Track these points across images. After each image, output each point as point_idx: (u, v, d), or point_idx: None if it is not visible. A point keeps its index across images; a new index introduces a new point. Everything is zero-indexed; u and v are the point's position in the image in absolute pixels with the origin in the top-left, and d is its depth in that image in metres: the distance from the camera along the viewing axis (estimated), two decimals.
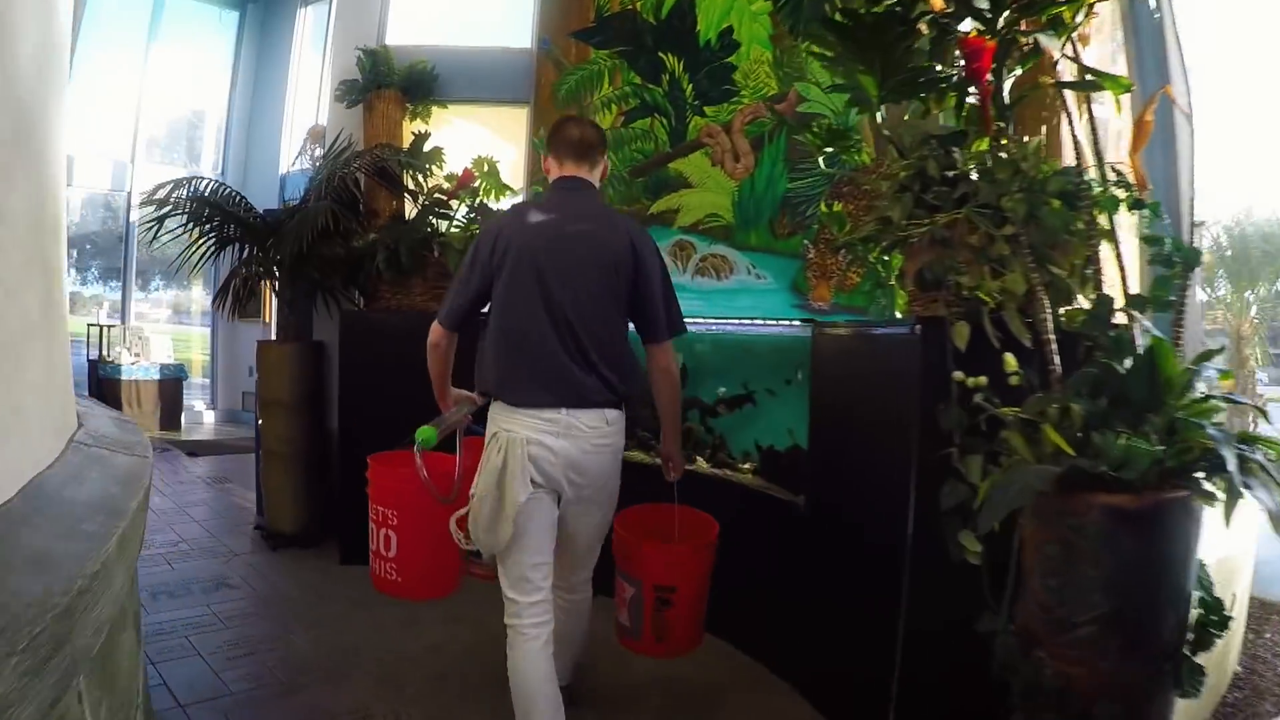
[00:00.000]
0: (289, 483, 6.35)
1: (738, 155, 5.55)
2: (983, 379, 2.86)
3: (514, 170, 6.61)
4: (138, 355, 12.02)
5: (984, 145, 3.26)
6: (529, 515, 3.14)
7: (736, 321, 5.22)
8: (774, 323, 5.05)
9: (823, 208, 4.58)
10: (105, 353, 11.98)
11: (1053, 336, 2.89)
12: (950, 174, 3.21)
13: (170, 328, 14.88)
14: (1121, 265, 3.07)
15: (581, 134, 3.42)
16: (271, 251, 6.10)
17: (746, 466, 5.04)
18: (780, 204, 5.34)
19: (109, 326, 12.24)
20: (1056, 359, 2.87)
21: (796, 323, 4.87)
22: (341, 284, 6.28)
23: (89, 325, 12.32)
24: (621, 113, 6.12)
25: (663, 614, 3.61)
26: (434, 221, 5.98)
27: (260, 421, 6.50)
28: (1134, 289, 3.07)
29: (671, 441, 3.61)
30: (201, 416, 13.18)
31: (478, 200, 6.01)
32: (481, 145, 6.50)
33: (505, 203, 6.30)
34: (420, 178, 6.29)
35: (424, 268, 5.87)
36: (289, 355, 6.32)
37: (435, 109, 6.77)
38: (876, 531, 3.49)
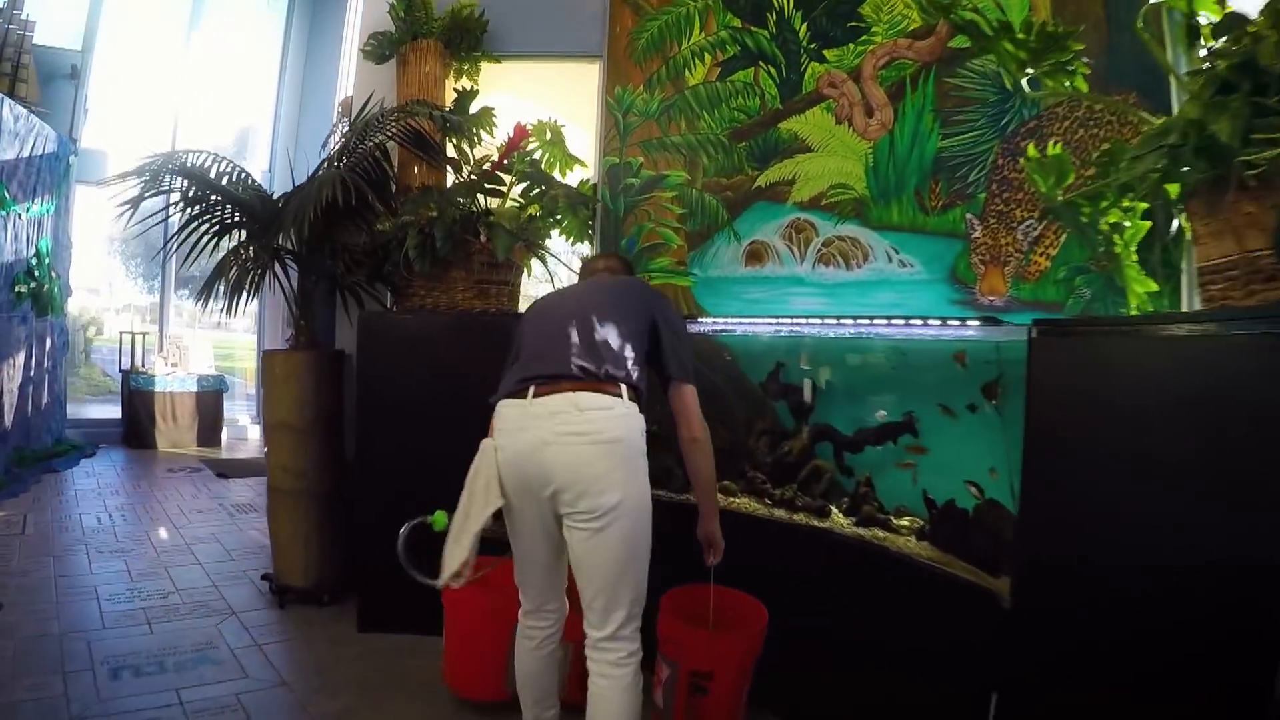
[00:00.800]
0: (299, 527, 5.04)
1: (871, 108, 4.23)
2: None
3: (583, 138, 5.31)
4: (174, 365, 10.97)
5: None
6: (514, 535, 3.03)
7: (882, 322, 3.80)
8: (938, 324, 3.64)
9: (1031, 151, 3.20)
10: (139, 362, 10.98)
11: None
12: None
13: (214, 334, 13.84)
14: None
15: (606, 264, 3.62)
16: (277, 238, 4.81)
17: (905, 524, 3.69)
18: (931, 168, 4.03)
19: (143, 334, 11.27)
20: None
21: (972, 323, 3.42)
22: (366, 279, 4.97)
23: (121, 333, 11.35)
24: (717, 63, 4.78)
25: (697, 700, 3.27)
26: (480, 198, 4.67)
27: (265, 450, 5.22)
28: None
29: (709, 519, 3.22)
30: (246, 432, 12.11)
31: (539, 162, 4.73)
32: (543, 108, 5.23)
33: (572, 178, 5.04)
34: (465, 145, 4.98)
35: (467, 256, 4.55)
36: (299, 367, 5.00)
37: (485, 64, 5.44)
38: (1191, 663, 2.08)
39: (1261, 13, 2.06)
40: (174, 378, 10.82)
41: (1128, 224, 2.76)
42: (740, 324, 4.40)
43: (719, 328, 4.43)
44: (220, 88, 11.93)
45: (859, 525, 3.69)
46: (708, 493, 3.16)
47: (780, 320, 4.20)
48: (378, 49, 5.37)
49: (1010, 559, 2.91)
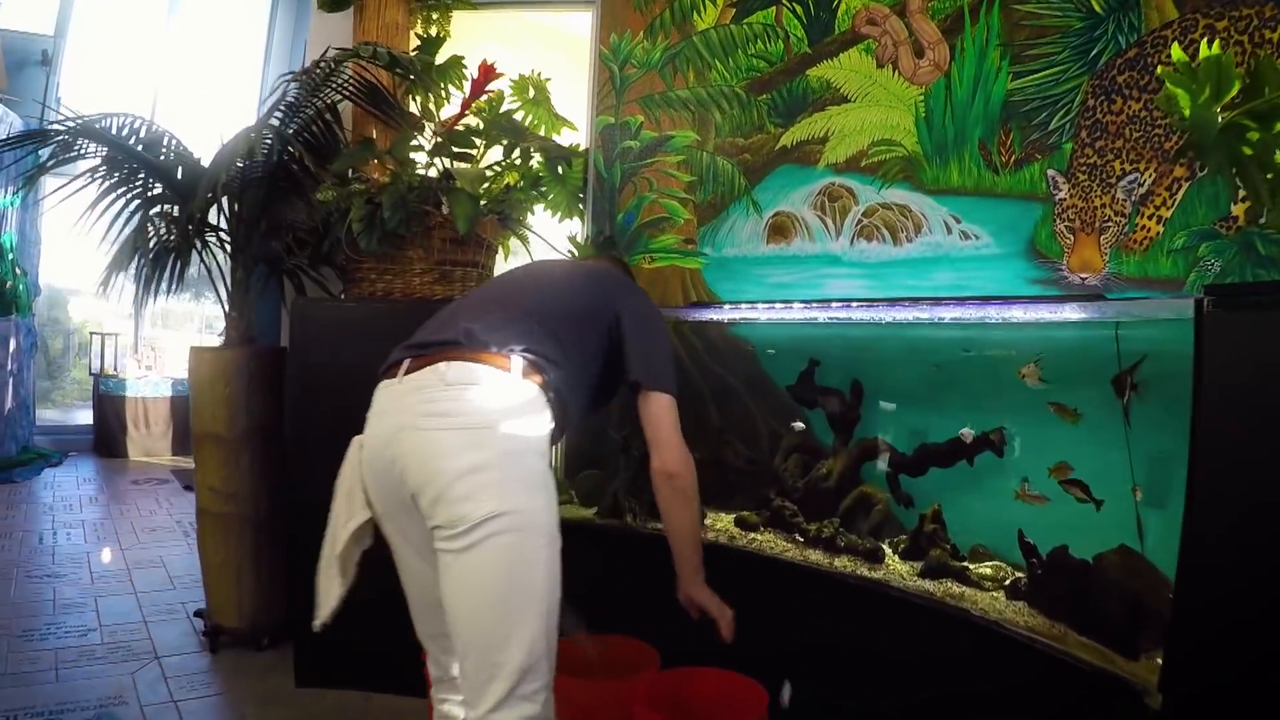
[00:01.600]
0: (230, 557, 4.16)
1: (921, 47, 3.38)
2: None
3: (572, 95, 4.42)
4: (148, 368, 10.16)
5: None
6: (396, 563, 2.30)
7: (950, 302, 3.02)
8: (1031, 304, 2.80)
9: (1176, 53, 2.28)
10: (109, 365, 10.24)
11: None
12: None
13: (194, 336, 13.08)
14: None
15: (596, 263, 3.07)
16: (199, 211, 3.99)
17: (988, 571, 2.82)
18: (1000, 116, 3.17)
19: (115, 335, 10.50)
20: None
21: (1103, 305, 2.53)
22: (310, 261, 4.13)
23: (91, 334, 10.62)
24: (731, 3, 3.92)
25: None
26: (441, 161, 3.81)
27: (195, 466, 4.35)
28: None
29: (688, 581, 2.53)
30: None
31: (513, 115, 3.90)
32: (528, 61, 4.36)
33: (563, 140, 4.22)
34: (431, 102, 4.13)
35: (426, 232, 3.67)
36: (229, 367, 4.12)
37: (458, 13, 4.57)
38: None
39: None
40: (147, 382, 10.03)
41: None
42: (764, 310, 3.58)
43: (736, 316, 3.62)
44: (202, 74, 11.13)
45: (926, 576, 2.82)
46: (685, 552, 2.51)
47: (816, 305, 3.38)
48: None
49: (1159, 633, 2.05)
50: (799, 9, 3.71)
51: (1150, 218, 2.82)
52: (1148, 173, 2.82)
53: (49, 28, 9.69)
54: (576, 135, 4.27)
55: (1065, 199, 2.99)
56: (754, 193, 3.78)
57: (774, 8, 3.78)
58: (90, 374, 10.34)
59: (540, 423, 2.16)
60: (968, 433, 2.97)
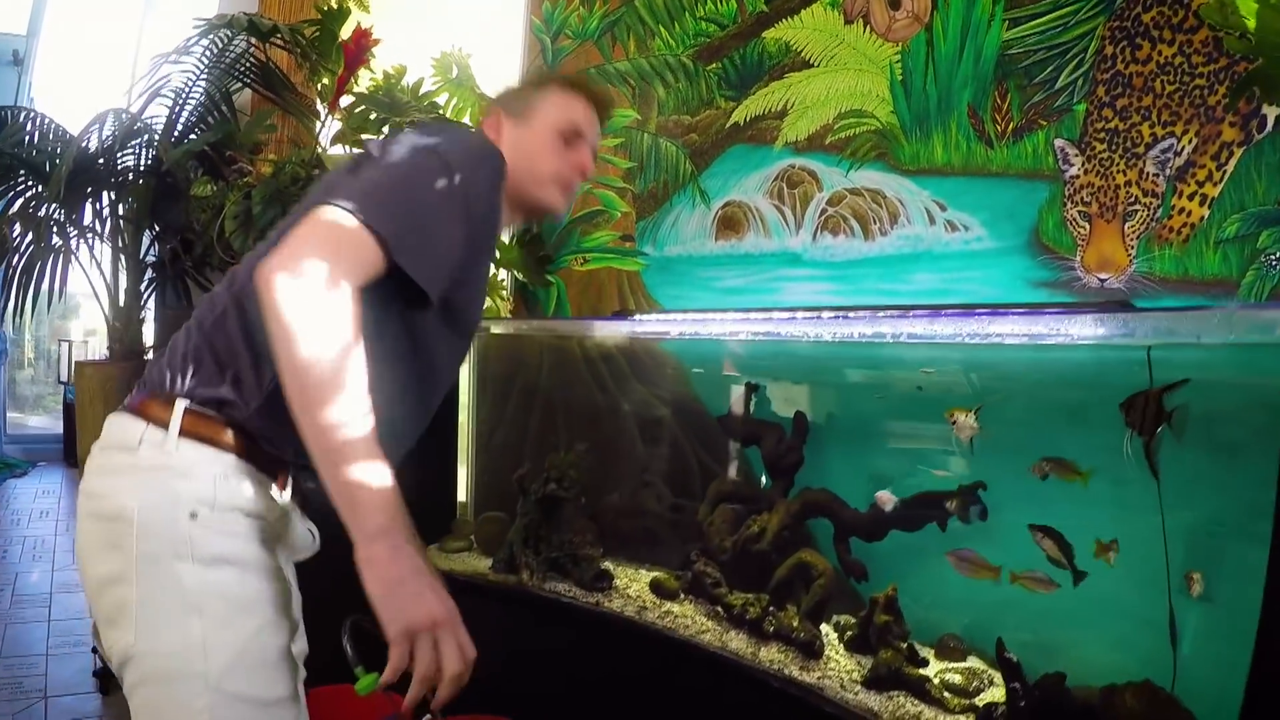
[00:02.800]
0: None
1: None
2: None
3: (500, 72, 3.73)
4: None
5: None
6: None
7: (934, 316, 2.21)
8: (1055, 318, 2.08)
9: None
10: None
11: None
12: None
13: None
14: None
15: None
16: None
17: (958, 678, 2.04)
18: (994, 74, 2.46)
19: (84, 342, 9.99)
20: None
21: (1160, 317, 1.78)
22: (195, 264, 3.54)
23: (60, 342, 10.08)
24: None
25: None
26: (324, 152, 3.14)
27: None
28: None
29: (351, 523, 1.29)
30: None
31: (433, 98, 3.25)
32: (451, 36, 3.70)
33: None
34: (327, 83, 3.47)
35: None
36: (111, 383, 3.67)
37: None
38: None
39: None
40: None
41: None
42: (685, 321, 2.91)
43: (656, 329, 2.98)
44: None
45: (872, 687, 2.05)
46: (329, 465, 1.28)
47: (753, 315, 2.67)
48: None
49: None
50: None
51: (1191, 198, 2.09)
52: (1186, 138, 2.08)
53: (21, 27, 9.24)
54: None
55: (1078, 176, 2.27)
56: (701, 180, 3.08)
57: None
58: (59, 382, 9.91)
59: (196, 493, 1.40)
60: (885, 496, 2.26)
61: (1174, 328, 1.75)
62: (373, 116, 3.10)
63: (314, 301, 1.26)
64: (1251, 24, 1.30)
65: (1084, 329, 1.90)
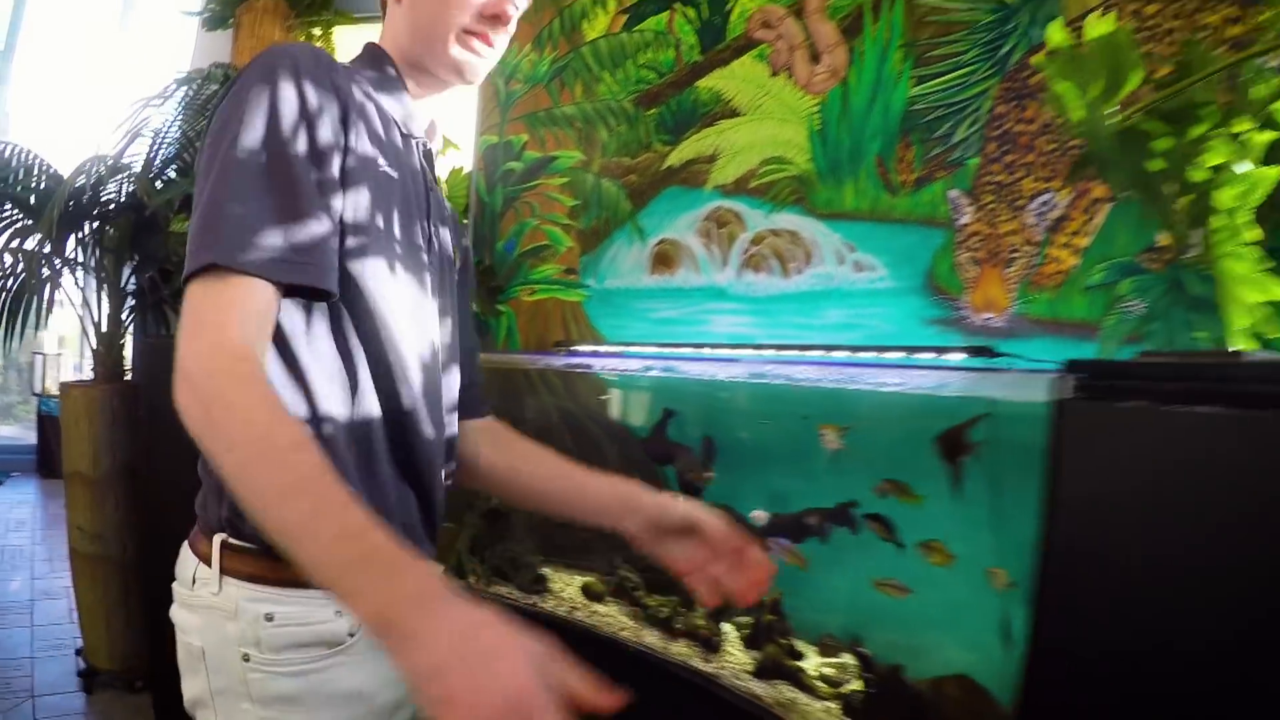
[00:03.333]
0: (100, 599, 3.94)
1: (818, 52, 2.82)
2: None
3: (458, 112, 3.89)
4: None
5: None
6: None
7: (805, 354, 2.45)
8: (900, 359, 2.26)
9: (1055, 34, 1.66)
10: (51, 385, 9.83)
11: None
12: None
13: None
14: None
15: None
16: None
17: (830, 670, 2.26)
18: (900, 127, 2.62)
19: (58, 355, 10.13)
20: None
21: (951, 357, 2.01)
22: (173, 294, 3.70)
23: (35, 354, 10.14)
24: (623, 9, 3.38)
25: None
26: None
27: (65, 506, 4.09)
28: None
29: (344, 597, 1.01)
30: None
31: None
32: None
33: (445, 163, 3.75)
34: None
35: None
36: (95, 405, 3.81)
37: (338, 26, 4.06)
38: None
39: None
40: None
41: (1245, 166, 1.33)
42: (613, 355, 3.05)
43: (587, 361, 3.11)
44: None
45: (759, 676, 2.29)
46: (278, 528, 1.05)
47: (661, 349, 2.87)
48: (217, 12, 4.04)
49: None
50: (691, 13, 3.17)
51: (1064, 247, 2.26)
52: (1062, 193, 2.26)
53: None
54: (463, 156, 3.76)
55: (969, 224, 2.44)
56: (639, 218, 3.23)
57: (666, 13, 3.23)
58: (33, 394, 9.96)
59: (236, 640, 1.25)
60: (759, 514, 2.45)
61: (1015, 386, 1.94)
62: None
63: (213, 406, 1.09)
64: (1075, 116, 1.47)
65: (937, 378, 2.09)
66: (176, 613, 1.33)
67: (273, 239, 1.15)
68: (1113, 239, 2.16)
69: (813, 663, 2.34)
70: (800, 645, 2.39)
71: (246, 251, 1.12)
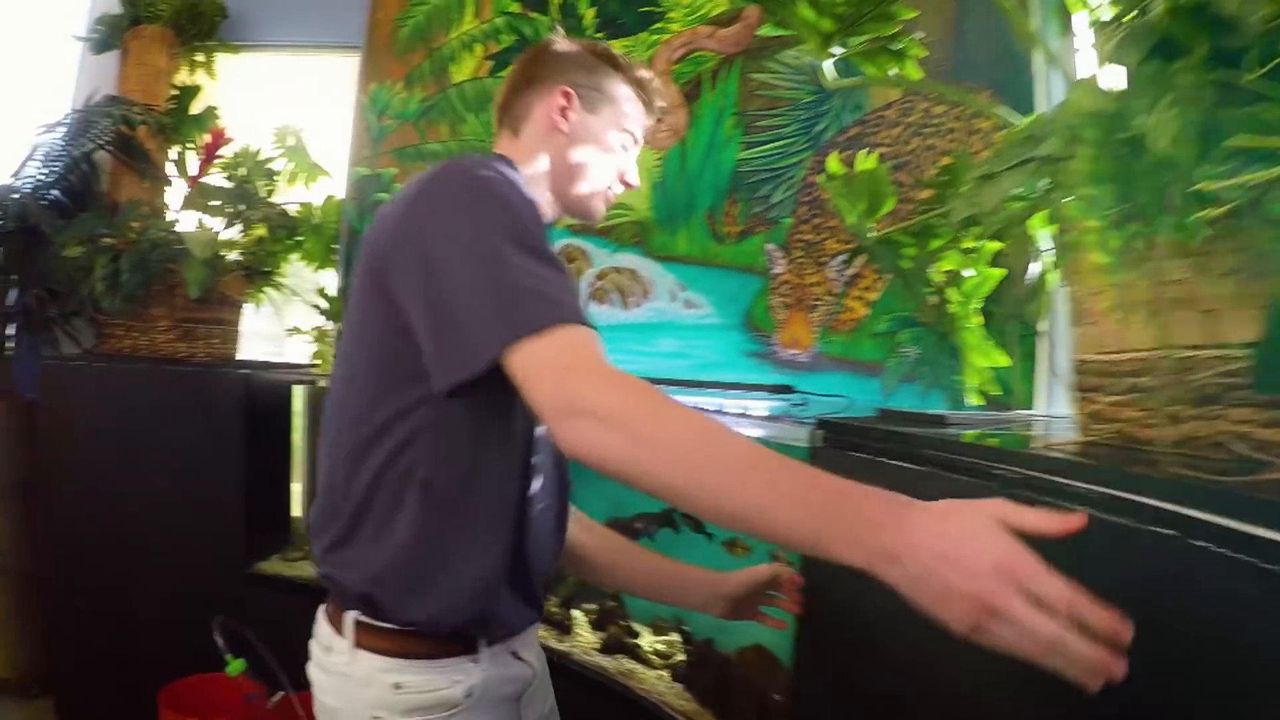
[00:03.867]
0: None
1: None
2: None
3: (336, 143, 4.06)
4: None
5: None
6: None
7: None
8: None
9: (833, 164, 2.08)
10: None
11: None
12: None
13: None
14: None
15: (504, 83, 1.74)
16: None
17: (661, 646, 2.72)
18: (728, 185, 3.01)
19: None
20: None
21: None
22: (62, 314, 3.82)
23: None
24: (489, 56, 3.69)
25: None
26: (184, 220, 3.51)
27: None
28: None
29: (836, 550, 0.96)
30: None
31: (254, 184, 3.58)
32: (293, 108, 4.06)
33: (317, 191, 3.89)
34: (184, 152, 3.82)
35: (169, 291, 3.38)
36: None
37: (224, 55, 4.23)
38: None
39: None
40: None
41: (970, 272, 1.74)
42: None
43: None
44: None
45: (605, 652, 2.68)
46: (778, 522, 0.99)
47: None
48: (103, 36, 4.16)
49: None
50: None
51: (857, 299, 2.68)
52: (859, 257, 2.67)
53: None
54: (335, 184, 3.95)
55: (781, 274, 2.84)
56: None
57: None
58: None
59: (367, 705, 1.37)
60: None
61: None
62: (221, 204, 3.48)
63: (598, 411, 1.07)
64: (848, 222, 1.86)
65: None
66: (314, 672, 1.46)
67: (568, 297, 1.20)
68: (896, 296, 2.57)
69: (647, 640, 2.75)
70: (637, 626, 2.82)
71: (563, 309, 1.16)
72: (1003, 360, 1.86)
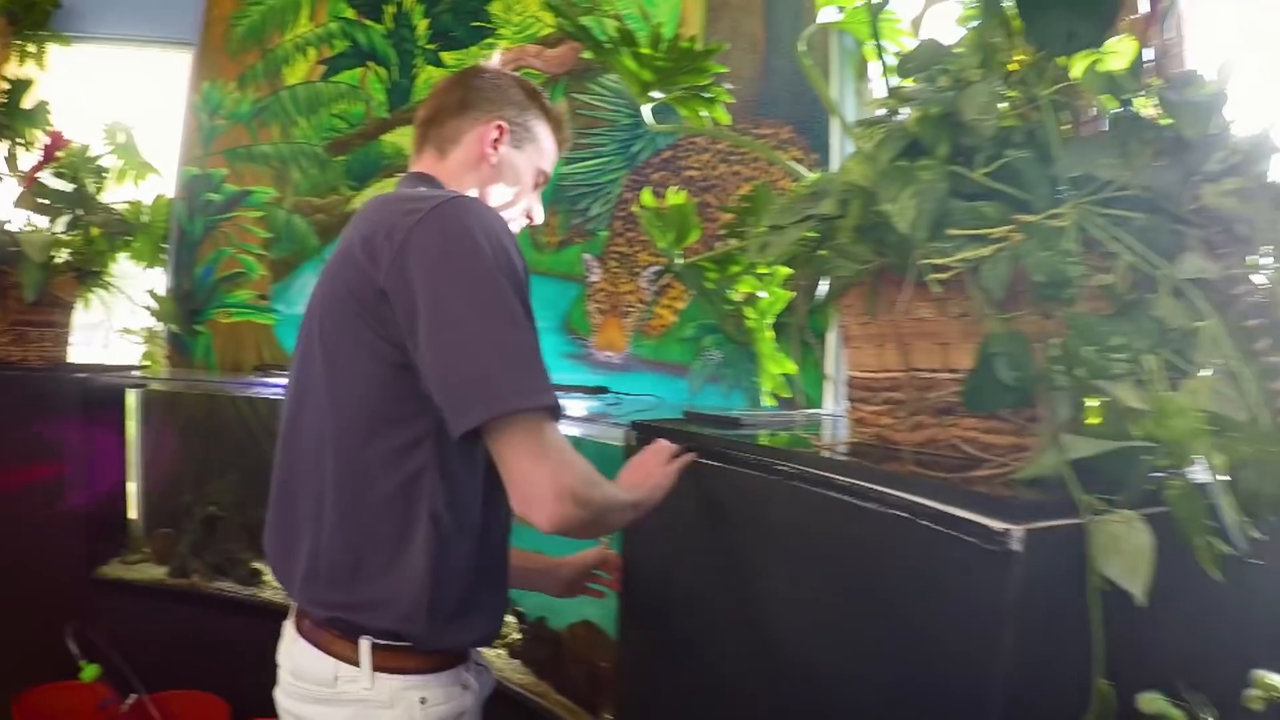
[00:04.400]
0: None
1: None
2: None
3: (167, 141, 4.01)
4: None
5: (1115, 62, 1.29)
6: None
7: None
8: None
9: (647, 198, 2.35)
10: None
11: None
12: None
13: None
14: None
15: (431, 100, 1.72)
16: None
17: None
18: (550, 198, 3.12)
19: None
20: None
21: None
22: None
23: None
24: (321, 60, 3.74)
25: None
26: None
27: None
28: None
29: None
30: None
31: (85, 183, 3.55)
32: (125, 104, 3.98)
33: (146, 189, 3.84)
34: (15, 149, 3.78)
35: (2, 293, 3.28)
36: None
37: (56, 46, 4.15)
38: None
39: (963, 44, 1.34)
40: None
41: (763, 294, 2.02)
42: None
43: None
44: None
45: None
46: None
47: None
48: None
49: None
50: (382, 73, 3.61)
51: (666, 307, 2.88)
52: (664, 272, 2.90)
53: None
54: (164, 182, 3.90)
55: (597, 282, 3.03)
56: (325, 253, 3.58)
57: (360, 69, 3.65)
58: None
59: None
60: None
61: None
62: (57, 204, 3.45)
63: (587, 504, 1.29)
64: (661, 245, 2.12)
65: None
66: (305, 708, 1.45)
67: (549, 389, 1.30)
68: (702, 307, 2.77)
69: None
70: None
71: (553, 400, 1.28)
72: (791, 368, 2.14)
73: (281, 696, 1.49)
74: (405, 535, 1.37)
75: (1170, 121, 1.14)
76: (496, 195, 1.64)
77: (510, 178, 1.65)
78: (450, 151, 1.64)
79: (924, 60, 1.33)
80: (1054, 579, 1.00)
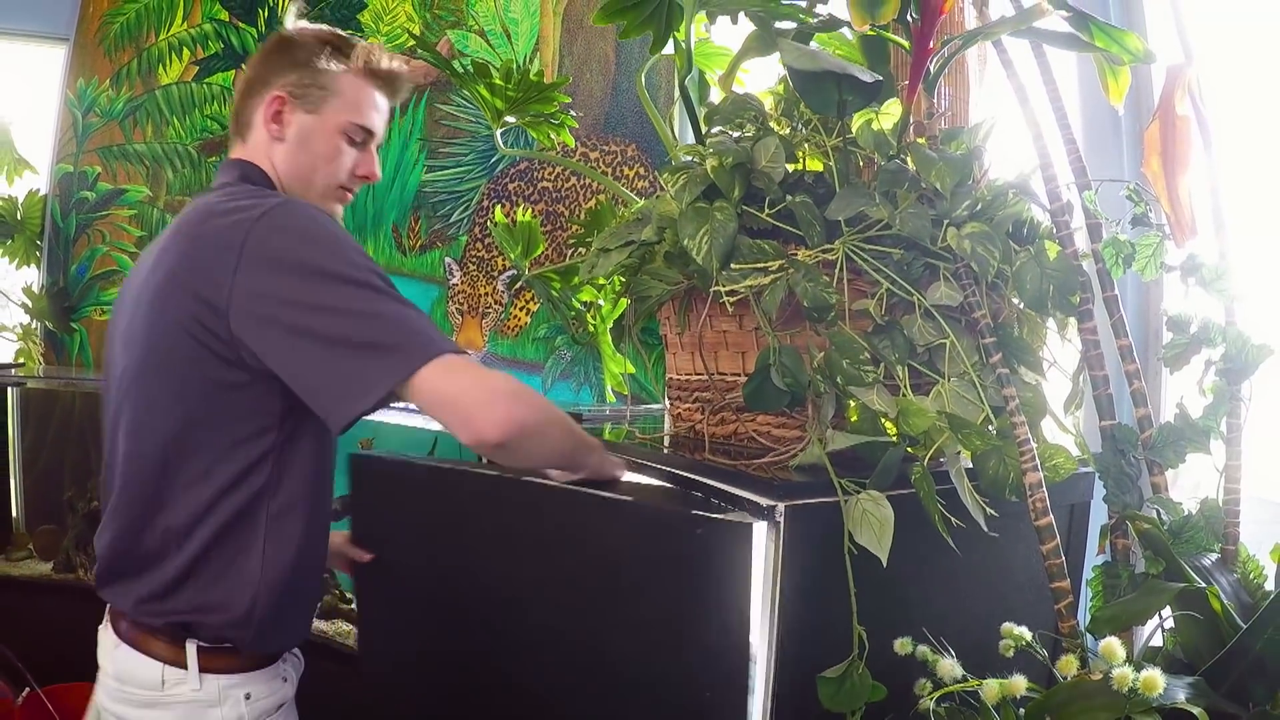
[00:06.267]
0: None
1: None
2: None
3: (41, 137, 3.98)
4: None
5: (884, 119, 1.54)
6: None
7: None
8: None
9: (499, 216, 2.53)
10: None
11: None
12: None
13: None
14: None
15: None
16: None
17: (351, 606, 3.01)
18: (412, 203, 3.30)
19: None
20: None
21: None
22: None
23: None
24: (195, 61, 3.77)
25: None
26: None
27: None
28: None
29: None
30: None
31: None
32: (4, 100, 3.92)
33: (20, 185, 3.83)
34: None
35: None
36: None
37: None
38: None
39: (771, 93, 1.57)
40: None
41: (602, 302, 2.22)
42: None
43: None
44: None
45: (323, 617, 2.92)
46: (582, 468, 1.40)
47: None
48: None
49: None
50: None
51: (521, 309, 3.05)
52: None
53: None
54: (39, 179, 3.89)
55: (457, 284, 3.17)
56: None
57: (234, 71, 3.68)
58: None
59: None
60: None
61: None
62: None
63: (528, 399, 1.32)
64: (513, 257, 2.32)
65: None
66: (142, 713, 1.40)
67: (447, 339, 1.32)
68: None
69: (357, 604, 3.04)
70: (349, 593, 3.03)
71: (445, 341, 1.29)
72: (629, 368, 2.35)
73: (105, 699, 1.45)
74: (239, 545, 1.37)
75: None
76: (306, 165, 1.54)
77: (308, 145, 1.53)
78: (248, 135, 1.55)
79: (728, 113, 1.55)
80: (815, 545, 1.21)
